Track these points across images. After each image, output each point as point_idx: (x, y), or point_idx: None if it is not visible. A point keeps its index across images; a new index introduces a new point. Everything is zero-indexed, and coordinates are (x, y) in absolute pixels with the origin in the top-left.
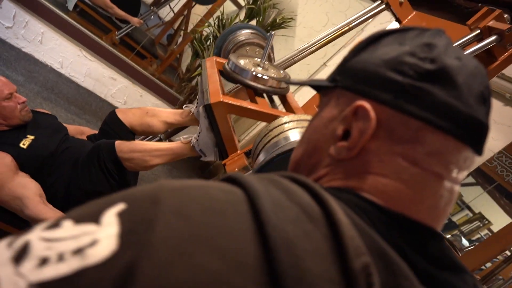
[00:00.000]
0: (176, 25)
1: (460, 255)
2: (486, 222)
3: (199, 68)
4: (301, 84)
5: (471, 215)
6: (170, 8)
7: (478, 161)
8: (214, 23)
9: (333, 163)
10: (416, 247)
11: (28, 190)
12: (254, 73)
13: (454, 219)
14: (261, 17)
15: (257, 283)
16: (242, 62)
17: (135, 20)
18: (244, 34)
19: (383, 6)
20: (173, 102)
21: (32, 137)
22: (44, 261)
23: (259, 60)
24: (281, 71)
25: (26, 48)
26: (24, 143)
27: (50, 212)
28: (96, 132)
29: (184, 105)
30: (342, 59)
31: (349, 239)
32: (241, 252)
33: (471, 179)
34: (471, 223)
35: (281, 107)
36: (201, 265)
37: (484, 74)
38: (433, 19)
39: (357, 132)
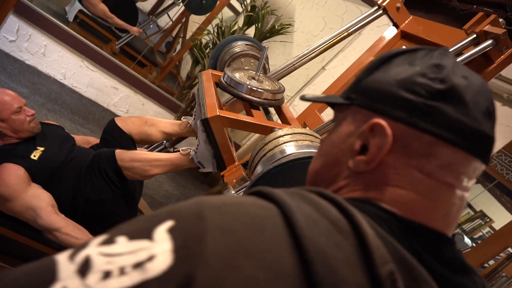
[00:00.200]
0: (174, 33)
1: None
2: (488, 220)
3: None
4: (317, 101)
5: (472, 213)
6: (168, 16)
7: None
8: (214, 31)
9: (351, 175)
10: (432, 252)
11: (40, 201)
12: (249, 87)
13: None
14: (259, 24)
15: None
16: (237, 75)
17: (134, 29)
18: (239, 45)
19: (381, 11)
20: (174, 110)
21: (42, 149)
22: (107, 275)
23: (254, 72)
24: (276, 83)
25: (29, 61)
26: (35, 155)
27: (62, 221)
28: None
29: (183, 117)
30: (356, 78)
31: (375, 248)
32: (281, 263)
33: None
34: (472, 221)
35: (276, 117)
36: (249, 276)
37: (489, 90)
38: (430, 23)
39: (375, 147)
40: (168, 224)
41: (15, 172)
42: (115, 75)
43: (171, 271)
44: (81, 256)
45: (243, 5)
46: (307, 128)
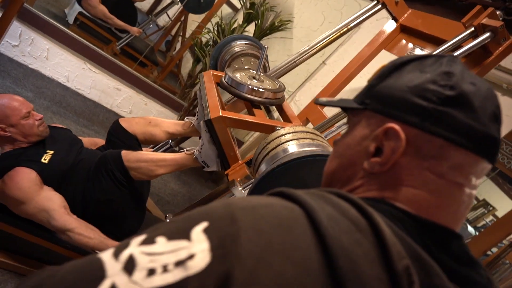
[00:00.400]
0: (173, 32)
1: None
2: (491, 208)
3: None
4: (331, 105)
5: (475, 202)
6: (167, 15)
7: None
8: (214, 29)
9: (366, 176)
10: (442, 248)
11: (53, 203)
12: (250, 87)
13: None
14: (259, 21)
15: (323, 283)
16: (238, 75)
17: (134, 30)
18: (239, 45)
19: (380, 6)
20: (177, 109)
21: (51, 152)
22: (151, 272)
23: (254, 72)
24: (276, 82)
25: (33, 65)
26: (45, 158)
27: (75, 222)
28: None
29: (186, 117)
30: (368, 83)
31: (392, 245)
32: (308, 259)
33: None
34: (475, 210)
35: (276, 115)
36: (280, 272)
37: (495, 95)
38: (429, 16)
39: (389, 150)
40: (203, 225)
41: (27, 176)
42: (118, 76)
43: (209, 269)
44: (124, 255)
45: (241, 2)
46: (309, 124)
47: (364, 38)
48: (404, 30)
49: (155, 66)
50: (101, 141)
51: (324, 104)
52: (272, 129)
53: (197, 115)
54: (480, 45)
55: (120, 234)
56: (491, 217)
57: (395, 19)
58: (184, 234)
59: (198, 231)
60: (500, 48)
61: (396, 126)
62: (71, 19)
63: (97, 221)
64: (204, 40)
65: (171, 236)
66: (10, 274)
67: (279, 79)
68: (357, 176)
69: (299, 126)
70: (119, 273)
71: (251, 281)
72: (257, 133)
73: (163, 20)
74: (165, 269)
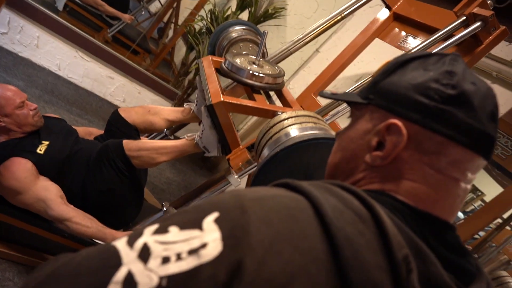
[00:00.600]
0: (166, 18)
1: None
2: (479, 193)
3: (195, 62)
4: (336, 98)
5: None
6: (159, 1)
7: None
8: (207, 16)
9: (368, 169)
10: (438, 238)
11: (50, 193)
12: (250, 72)
13: None
14: (253, 8)
15: (328, 271)
16: (238, 61)
17: (126, 17)
18: (237, 30)
19: None
20: (171, 97)
21: (47, 143)
22: (166, 260)
23: (254, 57)
24: (276, 67)
25: (23, 53)
26: (41, 149)
27: (72, 211)
28: (103, 132)
29: (185, 103)
30: (373, 79)
31: (393, 236)
32: (314, 248)
33: None
34: None
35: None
36: (288, 260)
37: (494, 95)
38: (421, 4)
39: (391, 144)
40: (214, 215)
41: (23, 166)
42: (110, 64)
43: (221, 257)
44: (139, 243)
45: None
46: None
47: (358, 25)
48: (397, 18)
49: (147, 53)
50: (96, 131)
51: (328, 97)
52: (273, 113)
53: (196, 101)
54: (471, 34)
55: (119, 222)
56: (479, 202)
57: (388, 7)
58: (196, 224)
59: (209, 221)
60: (490, 37)
61: (399, 122)
62: (60, 5)
63: (97, 210)
64: (197, 27)
65: (183, 226)
66: (8, 263)
67: None
68: (359, 168)
69: (301, 111)
70: (134, 261)
71: (261, 269)
72: (250, 121)
73: (154, 6)
74: (179, 257)
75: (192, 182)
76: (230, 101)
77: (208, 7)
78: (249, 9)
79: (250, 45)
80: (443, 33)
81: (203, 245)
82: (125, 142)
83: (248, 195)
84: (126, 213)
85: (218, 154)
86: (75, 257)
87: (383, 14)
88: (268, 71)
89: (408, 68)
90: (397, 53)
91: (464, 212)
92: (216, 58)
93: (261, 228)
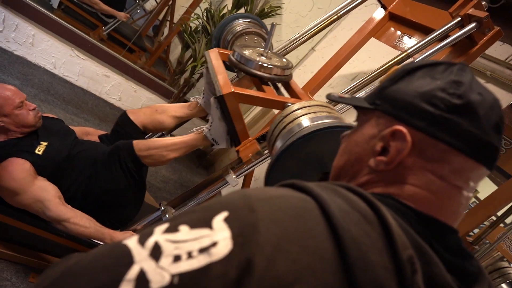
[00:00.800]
0: (161, 16)
1: None
2: (474, 191)
3: (191, 60)
4: (343, 102)
5: None
6: (155, 0)
7: None
8: (203, 15)
9: (371, 173)
10: (440, 241)
11: (48, 193)
12: (259, 63)
13: None
14: (249, 7)
15: (334, 271)
16: (246, 52)
17: (121, 15)
18: (241, 24)
19: None
20: (167, 96)
21: (45, 143)
22: (177, 258)
23: (261, 49)
24: (283, 59)
25: (18, 51)
26: (39, 150)
27: (70, 212)
28: (102, 131)
29: (192, 97)
30: (380, 84)
31: (398, 237)
32: (321, 248)
33: None
34: None
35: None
36: (296, 259)
37: (499, 106)
38: (417, 4)
39: (395, 150)
40: (224, 214)
41: (21, 166)
42: (106, 63)
43: (232, 255)
44: (150, 242)
45: None
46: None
47: (353, 24)
48: (392, 18)
49: (143, 51)
50: (92, 130)
51: (336, 101)
52: (283, 105)
53: (203, 94)
54: (466, 35)
55: (120, 221)
56: (473, 199)
57: (384, 7)
58: (205, 223)
59: (219, 220)
60: (485, 38)
61: (404, 129)
62: (55, 3)
63: (99, 208)
64: (193, 26)
65: (193, 225)
66: (6, 263)
67: None
68: (363, 172)
69: (313, 101)
70: (146, 259)
71: (270, 267)
72: (250, 116)
73: (150, 4)
74: (189, 255)
75: (189, 180)
76: (241, 92)
77: (203, 5)
78: (245, 7)
79: (255, 38)
80: (438, 33)
81: (214, 244)
82: (135, 142)
83: (256, 195)
84: (127, 212)
85: (227, 146)
86: (86, 256)
87: (379, 13)
88: (276, 63)
89: (415, 76)
90: (393, 52)
91: None
92: (222, 51)
93: (270, 227)
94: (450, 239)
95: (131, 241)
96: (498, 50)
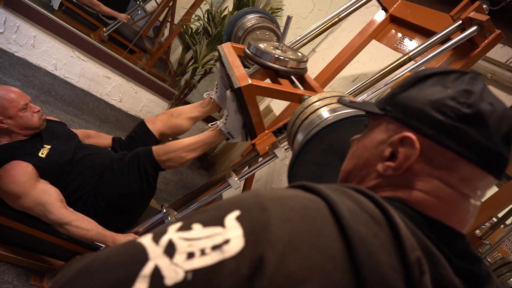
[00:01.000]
0: (161, 17)
1: None
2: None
3: (192, 62)
4: (354, 107)
5: None
6: (155, 1)
7: None
8: (204, 16)
9: (379, 177)
10: (448, 244)
11: (50, 196)
12: (276, 56)
13: None
14: None
15: (343, 270)
16: (262, 45)
17: (122, 16)
18: (252, 19)
19: None
20: (168, 97)
21: (49, 147)
22: (191, 255)
23: (276, 43)
24: (298, 53)
25: (19, 53)
26: (43, 153)
27: (72, 215)
28: (103, 133)
29: (205, 93)
30: (391, 91)
31: (406, 238)
32: (331, 247)
33: None
34: None
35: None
36: (306, 256)
37: (510, 116)
38: (417, 7)
39: (403, 156)
40: (236, 213)
41: (24, 170)
42: (107, 64)
43: (244, 252)
44: (164, 240)
45: None
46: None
47: (354, 25)
48: (393, 20)
49: (143, 52)
50: (94, 133)
51: (347, 105)
52: (300, 97)
53: (216, 89)
54: (467, 38)
55: (126, 224)
56: None
57: (385, 9)
58: (218, 221)
59: (231, 219)
60: (486, 41)
61: (412, 136)
62: (56, 4)
63: (110, 212)
64: (193, 27)
65: (206, 223)
66: (7, 266)
67: None
68: (371, 176)
69: (329, 92)
70: (161, 256)
71: (281, 264)
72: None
73: (150, 5)
74: (203, 252)
75: (190, 182)
76: (258, 84)
77: (204, 7)
78: None
79: (267, 33)
80: (439, 36)
81: (226, 241)
82: (154, 148)
83: (267, 195)
84: (135, 215)
85: (242, 139)
86: (101, 254)
87: (380, 15)
88: (292, 56)
89: (426, 84)
90: (393, 54)
91: None
92: (235, 45)
93: (281, 225)
94: (458, 243)
95: (146, 239)
96: (498, 52)
